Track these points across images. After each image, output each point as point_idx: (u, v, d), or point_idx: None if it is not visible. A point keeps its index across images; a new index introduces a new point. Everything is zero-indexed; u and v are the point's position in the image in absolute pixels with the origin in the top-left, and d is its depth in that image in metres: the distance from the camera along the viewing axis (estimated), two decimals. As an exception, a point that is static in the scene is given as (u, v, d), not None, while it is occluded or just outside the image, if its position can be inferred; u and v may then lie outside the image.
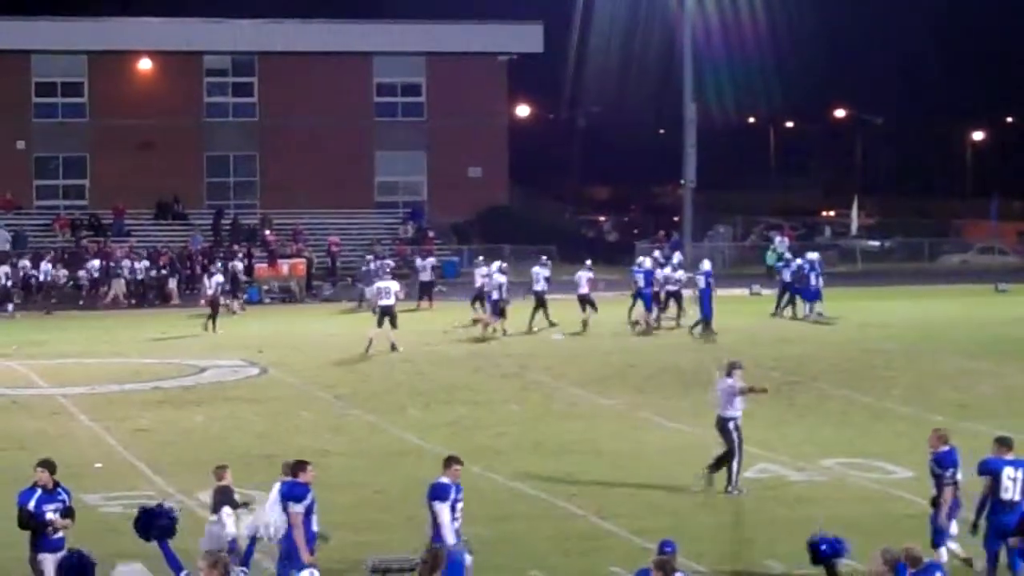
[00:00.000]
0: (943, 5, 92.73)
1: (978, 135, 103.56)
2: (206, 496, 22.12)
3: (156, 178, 65.34)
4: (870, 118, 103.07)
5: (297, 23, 69.65)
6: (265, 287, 55.15)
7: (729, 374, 22.90)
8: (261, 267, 56.70)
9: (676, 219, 73.09)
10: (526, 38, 70.23)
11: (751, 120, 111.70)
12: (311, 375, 35.04)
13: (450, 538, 16.30)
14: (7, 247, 60.14)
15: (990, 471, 17.05)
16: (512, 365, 36.36)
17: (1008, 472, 16.96)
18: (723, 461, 22.27)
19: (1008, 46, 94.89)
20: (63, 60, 67.24)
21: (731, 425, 22.34)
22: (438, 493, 16.63)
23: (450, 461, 16.93)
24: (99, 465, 24.39)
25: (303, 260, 57.55)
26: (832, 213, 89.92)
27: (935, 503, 17.55)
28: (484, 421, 28.80)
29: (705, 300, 41.88)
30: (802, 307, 44.96)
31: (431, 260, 52.98)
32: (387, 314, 39.05)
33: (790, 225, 79.73)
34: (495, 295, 42.13)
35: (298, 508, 16.21)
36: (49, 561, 15.99)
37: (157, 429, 28.17)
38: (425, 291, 49.97)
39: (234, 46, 68.45)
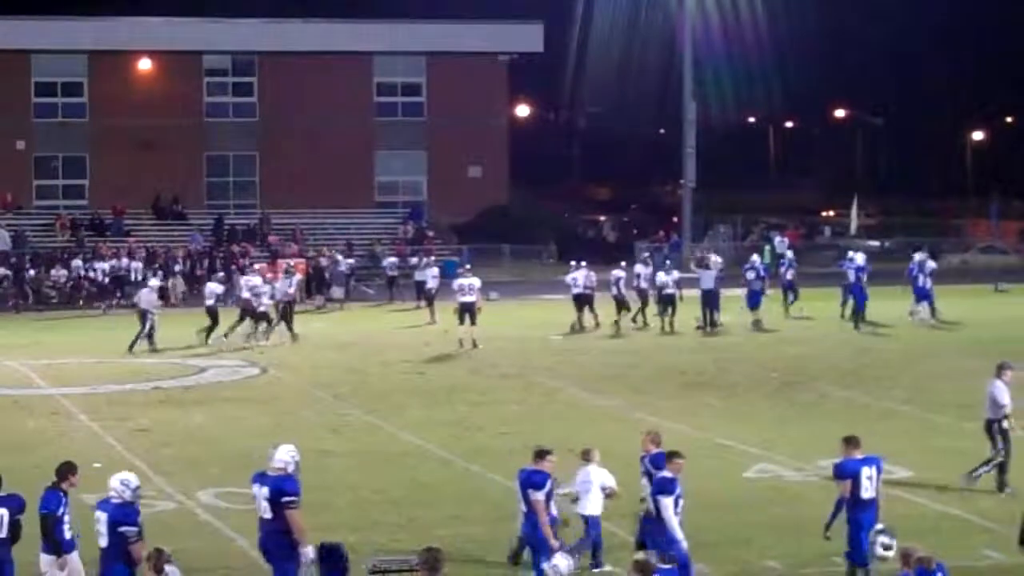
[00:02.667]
0: (943, 5, 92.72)
1: (978, 135, 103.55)
2: (206, 496, 22.15)
3: (156, 178, 65.40)
4: (870, 118, 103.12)
5: (297, 23, 69.69)
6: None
7: (999, 375, 22.80)
8: (261, 267, 56.60)
9: (676, 219, 73.12)
10: (526, 38, 70.27)
11: (751, 120, 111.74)
12: (311, 375, 35.03)
13: (678, 532, 16.43)
14: (7, 247, 60.14)
15: (849, 474, 17.24)
16: (512, 365, 36.35)
17: (865, 472, 17.25)
18: (1002, 465, 22.23)
19: (1008, 46, 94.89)
20: (63, 60, 67.30)
21: (995, 428, 22.27)
22: (664, 487, 16.59)
23: (672, 456, 16.98)
24: (99, 465, 24.33)
25: (303, 260, 57.47)
26: (832, 213, 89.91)
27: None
28: (484, 421, 28.78)
29: (857, 292, 42.94)
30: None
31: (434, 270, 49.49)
32: (467, 311, 39.30)
33: (792, 225, 79.78)
34: (644, 284, 43.22)
35: (539, 495, 16.35)
36: (45, 562, 15.95)
37: (157, 429, 28.16)
38: (427, 297, 48.98)
39: (234, 46, 68.51)
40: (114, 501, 15.16)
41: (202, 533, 20.40)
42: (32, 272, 54.82)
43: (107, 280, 53.31)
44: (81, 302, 52.80)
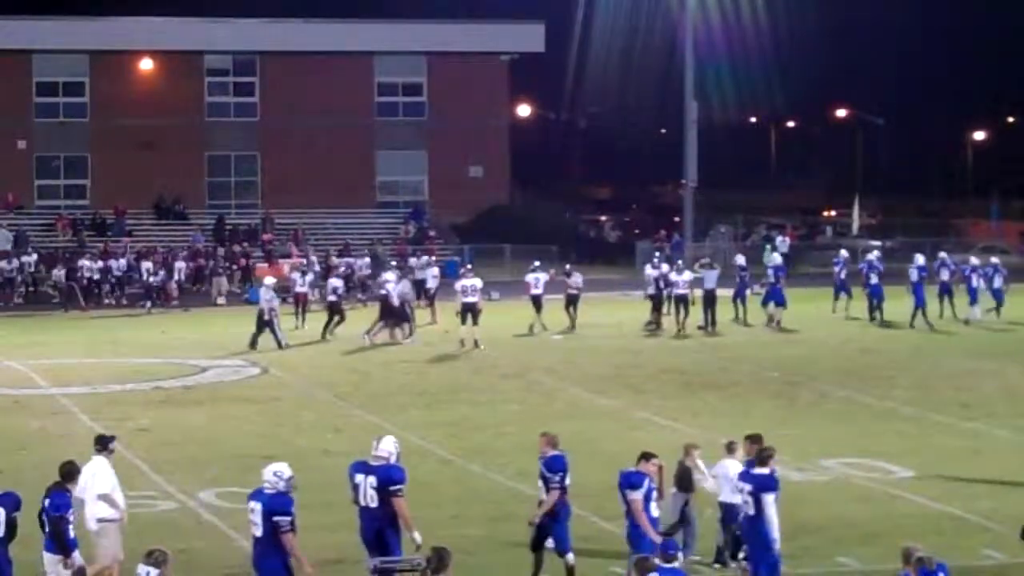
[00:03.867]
0: (944, 4, 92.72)
1: (979, 135, 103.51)
2: (206, 495, 22.16)
3: (157, 178, 65.39)
4: (871, 118, 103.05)
5: (298, 23, 69.66)
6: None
7: None
8: (261, 267, 56.65)
9: (677, 219, 73.08)
10: (528, 38, 70.23)
11: (752, 120, 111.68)
12: (312, 375, 35.03)
13: (776, 531, 16.67)
14: (8, 247, 60.18)
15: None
16: (512, 365, 36.35)
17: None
18: None
19: (1009, 46, 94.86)
20: (64, 60, 67.28)
21: None
22: (767, 484, 16.84)
23: (770, 451, 17.28)
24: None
25: (303, 260, 57.42)
26: (833, 213, 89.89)
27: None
28: (485, 421, 28.79)
29: (918, 291, 43.35)
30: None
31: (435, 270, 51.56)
32: (470, 311, 39.35)
33: (792, 225, 79.74)
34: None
35: (636, 495, 16.79)
36: (49, 562, 15.97)
37: (158, 429, 28.17)
38: (428, 297, 49.41)
39: (235, 46, 68.48)
40: (268, 491, 15.43)
41: (203, 533, 20.42)
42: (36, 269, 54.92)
43: (153, 279, 53.21)
44: (83, 301, 52.74)
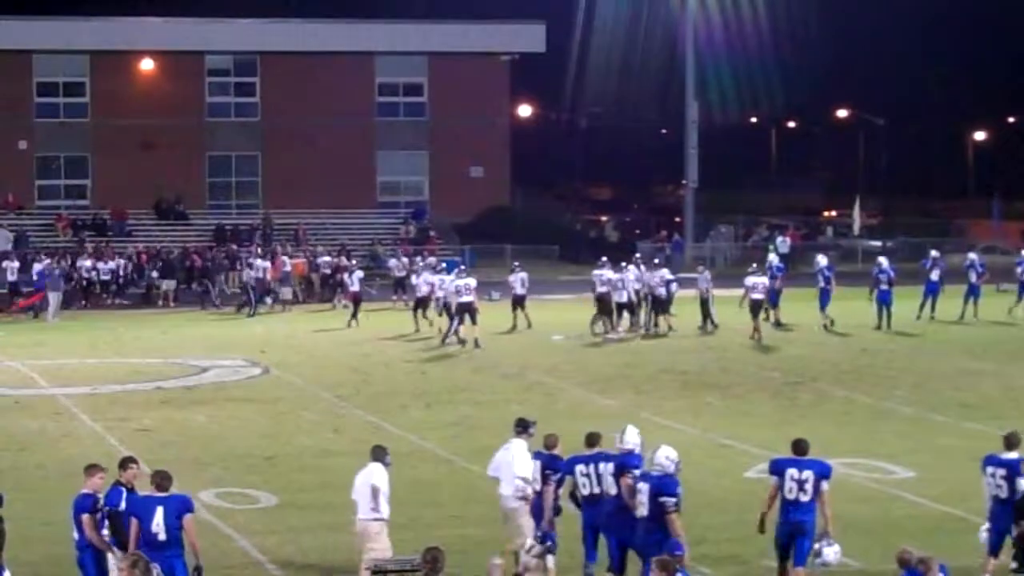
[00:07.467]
0: (945, 5, 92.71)
1: (980, 135, 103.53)
2: (207, 496, 22.15)
3: (158, 178, 65.40)
4: (872, 118, 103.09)
5: (299, 23, 69.68)
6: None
7: None
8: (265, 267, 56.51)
9: (678, 219, 73.12)
10: (528, 38, 70.24)
11: (753, 120, 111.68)
12: (313, 375, 35.04)
13: None
14: (8, 247, 60.19)
15: (566, 469, 17.88)
16: (513, 366, 36.36)
17: (580, 469, 17.76)
18: None
19: (1010, 46, 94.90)
20: (65, 60, 67.28)
21: None
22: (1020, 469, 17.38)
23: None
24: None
25: (304, 260, 57.40)
26: (834, 213, 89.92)
27: None
28: (485, 421, 28.77)
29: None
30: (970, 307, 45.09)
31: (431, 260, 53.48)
32: (466, 310, 39.41)
33: (795, 225, 79.78)
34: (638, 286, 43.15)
35: (826, 484, 17.34)
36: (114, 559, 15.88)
37: (159, 429, 28.18)
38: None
39: (236, 46, 68.50)
40: (655, 473, 16.55)
41: (204, 533, 20.39)
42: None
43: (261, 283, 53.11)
44: (85, 302, 52.77)
